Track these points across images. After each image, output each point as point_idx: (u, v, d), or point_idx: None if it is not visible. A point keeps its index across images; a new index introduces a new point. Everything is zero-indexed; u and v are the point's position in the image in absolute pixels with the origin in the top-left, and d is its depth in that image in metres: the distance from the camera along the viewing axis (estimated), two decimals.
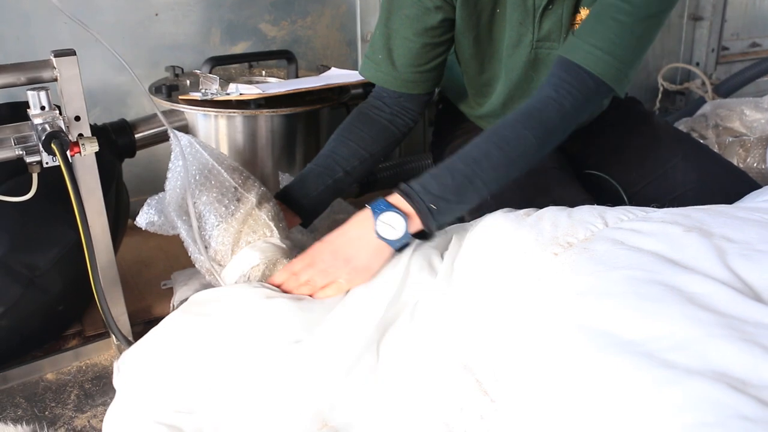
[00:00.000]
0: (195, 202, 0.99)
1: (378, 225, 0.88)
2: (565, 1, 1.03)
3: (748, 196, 1.07)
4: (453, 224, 0.99)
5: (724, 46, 2.29)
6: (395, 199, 0.90)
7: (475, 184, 0.91)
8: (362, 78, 1.17)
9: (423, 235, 0.93)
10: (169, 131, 0.96)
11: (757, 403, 0.45)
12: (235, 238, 0.98)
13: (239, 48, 1.56)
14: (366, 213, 0.91)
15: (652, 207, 0.86)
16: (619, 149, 1.28)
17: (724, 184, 1.20)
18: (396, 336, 0.80)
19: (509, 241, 0.83)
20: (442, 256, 0.92)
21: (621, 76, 0.98)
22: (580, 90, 0.96)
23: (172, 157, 1.02)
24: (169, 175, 1.03)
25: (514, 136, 0.94)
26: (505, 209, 0.95)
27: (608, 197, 1.30)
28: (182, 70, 1.40)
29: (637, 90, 2.20)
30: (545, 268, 0.75)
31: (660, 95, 2.16)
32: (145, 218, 1.03)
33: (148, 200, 1.04)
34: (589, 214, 0.84)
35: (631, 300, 0.59)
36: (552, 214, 0.87)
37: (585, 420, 0.52)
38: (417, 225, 0.90)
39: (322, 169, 1.10)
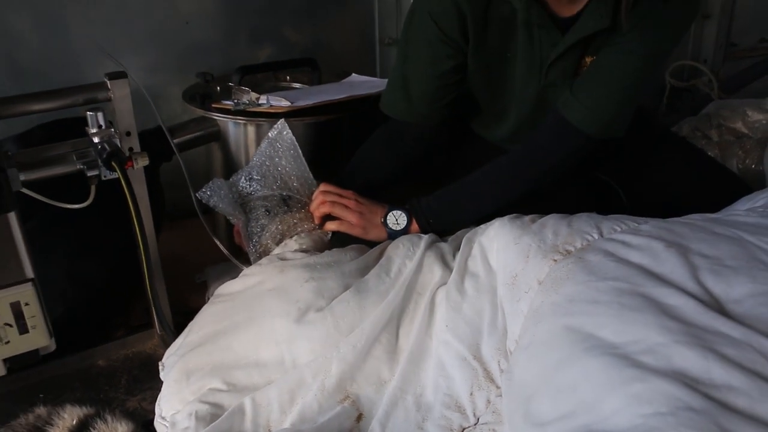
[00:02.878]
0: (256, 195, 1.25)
1: (388, 216, 1.19)
2: (570, 55, 1.13)
3: (738, 201, 1.19)
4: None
5: (732, 42, 2.38)
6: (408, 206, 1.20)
7: (467, 210, 1.19)
8: (382, 89, 1.30)
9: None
10: (278, 129, 1.26)
11: (703, 398, 0.58)
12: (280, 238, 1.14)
13: (264, 52, 1.68)
14: (384, 205, 1.22)
15: (640, 220, 0.98)
16: (621, 155, 1.39)
17: (717, 189, 1.32)
18: (415, 323, 0.94)
19: (515, 247, 0.96)
20: (454, 255, 1.05)
21: (612, 129, 1.13)
22: (570, 146, 1.14)
23: (264, 144, 1.27)
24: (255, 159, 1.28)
25: (506, 178, 1.18)
26: (513, 215, 1.08)
27: (610, 199, 1.42)
28: (212, 76, 1.52)
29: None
30: (545, 273, 0.88)
31: (667, 92, 2.27)
32: (206, 197, 1.24)
33: (211, 183, 1.26)
34: (586, 223, 0.97)
35: (614, 309, 0.72)
36: (554, 222, 1.00)
37: (568, 407, 0.65)
38: (414, 229, 1.19)
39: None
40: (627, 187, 1.41)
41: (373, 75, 1.80)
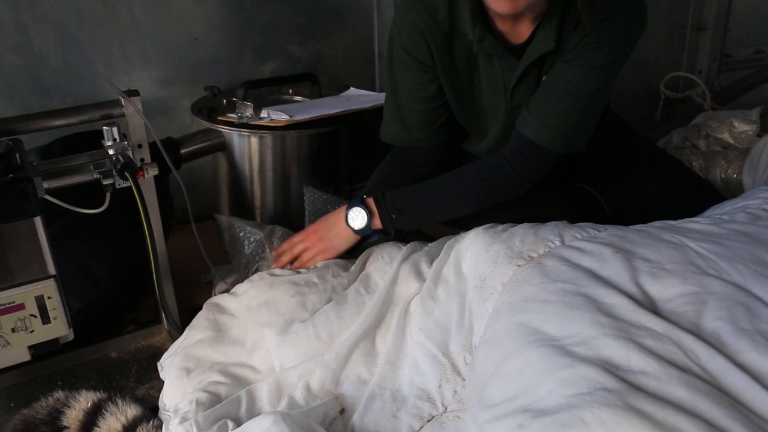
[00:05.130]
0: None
1: (348, 215, 1.26)
2: (529, 77, 1.23)
3: (708, 209, 1.30)
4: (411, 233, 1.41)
5: (727, 53, 2.48)
6: (369, 200, 1.27)
7: (430, 210, 1.26)
8: (376, 102, 1.42)
9: (385, 233, 1.28)
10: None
11: (618, 380, 0.69)
12: None
13: (269, 67, 1.81)
14: (344, 206, 1.28)
15: (601, 228, 1.09)
16: (604, 166, 1.50)
17: (691, 198, 1.42)
18: (390, 329, 1.06)
19: (485, 253, 1.08)
20: (431, 263, 1.17)
21: (570, 143, 1.21)
22: (530, 160, 1.21)
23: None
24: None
25: (468, 182, 1.24)
26: (488, 224, 1.19)
27: (591, 206, 1.53)
28: (219, 89, 1.65)
29: (639, 98, 2.40)
30: (509, 277, 0.99)
31: (662, 103, 2.37)
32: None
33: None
34: (551, 232, 1.08)
35: (558, 307, 0.83)
36: (523, 230, 1.11)
37: (513, 391, 0.76)
38: (378, 224, 1.25)
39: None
40: (609, 196, 1.51)
41: (373, 87, 1.93)
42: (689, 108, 2.35)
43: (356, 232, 1.26)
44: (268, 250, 1.35)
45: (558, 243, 1.04)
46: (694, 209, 1.31)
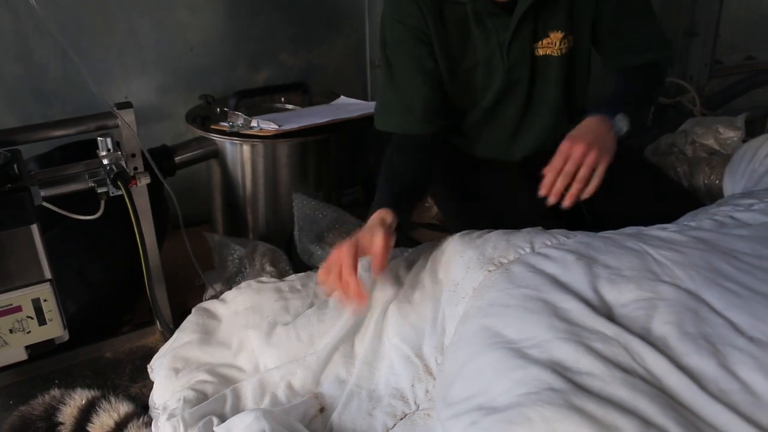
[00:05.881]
0: None
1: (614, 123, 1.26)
2: (524, 32, 1.29)
3: (684, 216, 1.35)
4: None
5: (718, 59, 2.52)
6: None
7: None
8: (365, 111, 1.48)
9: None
10: None
11: (564, 381, 0.74)
12: None
13: (262, 75, 1.87)
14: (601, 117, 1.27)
15: (570, 234, 1.14)
16: None
17: (670, 206, 1.47)
18: (367, 332, 1.12)
19: (459, 259, 1.14)
20: (410, 269, 1.23)
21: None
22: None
23: None
24: None
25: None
26: (465, 231, 1.25)
27: (572, 211, 1.58)
28: (213, 98, 1.72)
29: None
30: (479, 282, 1.05)
31: (653, 108, 2.41)
32: None
33: None
34: (522, 239, 1.14)
35: (519, 311, 0.89)
36: (496, 237, 1.17)
37: (472, 391, 0.82)
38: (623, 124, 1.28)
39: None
40: (590, 202, 1.56)
41: (365, 96, 2.00)
42: (680, 114, 2.39)
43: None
44: (248, 266, 1.41)
45: (528, 249, 1.09)
46: (672, 217, 1.35)
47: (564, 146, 1.19)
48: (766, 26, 2.60)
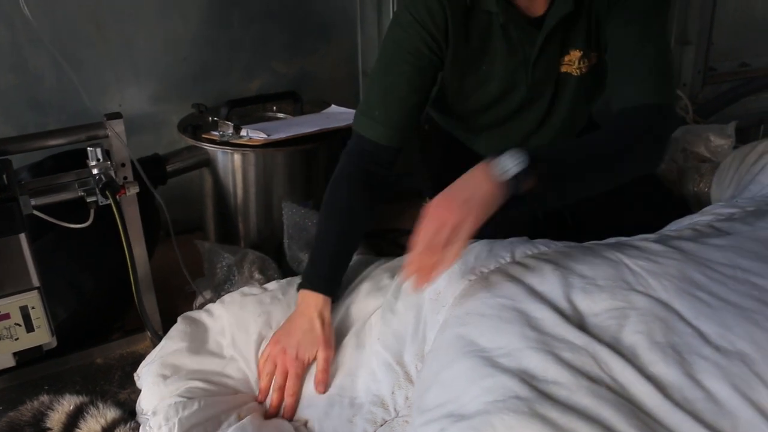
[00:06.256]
0: None
1: (496, 163, 0.95)
2: (552, 48, 1.23)
3: (669, 224, 1.37)
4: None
5: (711, 67, 2.54)
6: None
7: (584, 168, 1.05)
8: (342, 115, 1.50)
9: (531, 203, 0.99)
10: None
11: (531, 389, 0.76)
12: None
13: (255, 84, 1.90)
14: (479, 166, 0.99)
15: (551, 244, 1.16)
16: None
17: (656, 214, 1.47)
18: (349, 341, 1.14)
19: None
20: (392, 278, 1.25)
21: (671, 91, 1.17)
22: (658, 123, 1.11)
23: None
24: None
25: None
26: None
27: (553, 215, 1.59)
28: (206, 107, 1.74)
29: None
30: (460, 291, 1.07)
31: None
32: None
33: None
34: (504, 248, 1.16)
35: (494, 321, 0.91)
36: (480, 247, 1.19)
37: (445, 398, 0.84)
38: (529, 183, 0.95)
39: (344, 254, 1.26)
40: (574, 208, 1.57)
41: (356, 105, 2.01)
42: None
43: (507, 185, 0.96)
44: (237, 273, 1.44)
45: (509, 259, 1.11)
46: (659, 225, 1.36)
47: (423, 214, 0.98)
48: (760, 33, 2.62)
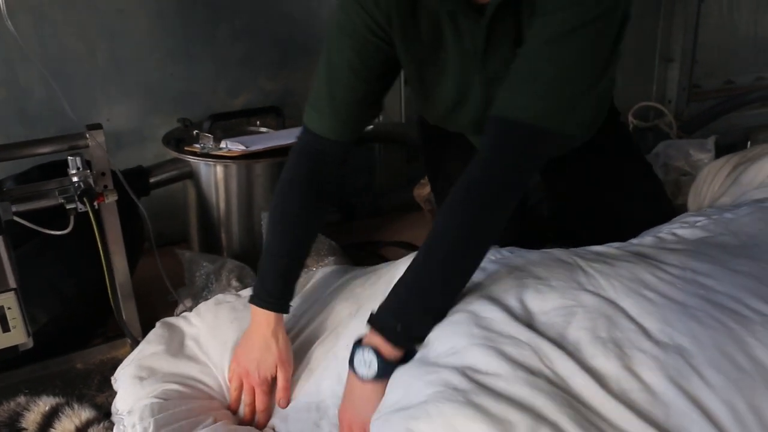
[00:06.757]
0: None
1: (354, 361, 0.96)
2: (504, 41, 1.06)
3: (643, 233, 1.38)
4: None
5: (696, 84, 2.59)
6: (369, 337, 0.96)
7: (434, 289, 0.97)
8: None
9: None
10: None
11: (469, 381, 0.80)
12: None
13: (241, 100, 1.96)
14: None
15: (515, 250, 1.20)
16: (566, 178, 1.48)
17: (639, 221, 1.44)
18: (319, 347, 1.18)
19: None
20: (367, 285, 1.29)
21: (562, 118, 0.96)
22: (521, 148, 0.96)
23: None
24: None
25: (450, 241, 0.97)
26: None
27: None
28: (191, 121, 1.80)
29: None
30: None
31: (631, 132, 2.48)
32: None
33: None
34: None
35: (445, 323, 0.95)
36: None
37: (398, 395, 0.88)
38: (391, 351, 0.93)
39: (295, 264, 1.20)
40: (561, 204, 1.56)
41: None
42: (657, 137, 2.46)
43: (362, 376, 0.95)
44: (215, 281, 1.48)
45: None
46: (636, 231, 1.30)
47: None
48: (743, 52, 2.67)
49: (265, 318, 1.15)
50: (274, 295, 1.16)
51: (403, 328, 0.93)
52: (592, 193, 1.45)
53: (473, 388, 0.80)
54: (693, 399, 0.80)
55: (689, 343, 0.86)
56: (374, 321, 0.96)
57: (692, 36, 2.49)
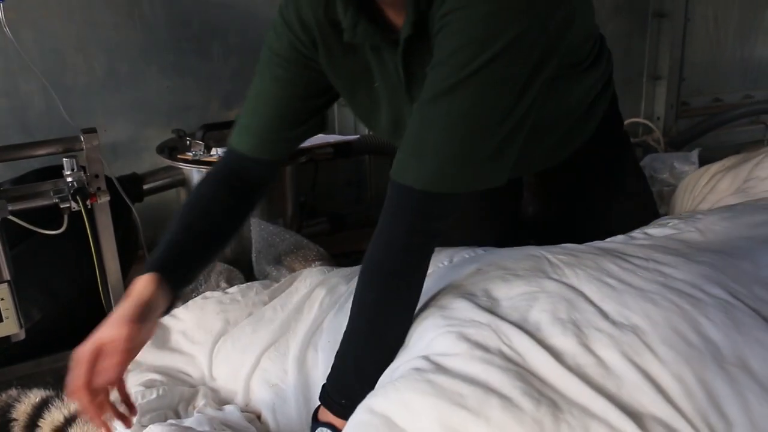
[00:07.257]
0: None
1: None
2: (423, 75, 0.93)
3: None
4: None
5: (684, 101, 2.66)
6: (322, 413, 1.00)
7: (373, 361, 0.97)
8: (322, 141, 1.62)
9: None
10: None
11: (429, 362, 0.86)
12: None
13: (234, 112, 2.04)
14: None
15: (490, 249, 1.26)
16: (553, 187, 1.45)
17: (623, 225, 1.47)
18: (300, 341, 1.24)
19: None
20: (349, 283, 1.34)
21: (446, 179, 0.89)
22: (417, 212, 0.92)
23: None
24: None
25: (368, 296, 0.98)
26: None
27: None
28: (184, 132, 1.87)
29: None
30: None
31: None
32: None
33: None
34: (446, 255, 1.25)
35: (417, 320, 0.99)
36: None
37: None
38: (342, 422, 0.94)
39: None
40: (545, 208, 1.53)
41: (332, 130, 2.14)
42: (646, 152, 2.52)
43: None
44: (204, 283, 1.54)
45: (446, 263, 1.21)
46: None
47: None
48: (730, 70, 2.74)
49: (141, 284, 0.98)
50: (164, 261, 1.02)
51: (346, 401, 0.95)
52: (575, 210, 1.45)
53: (432, 369, 0.85)
54: (644, 372, 0.84)
55: (644, 322, 0.90)
56: (323, 399, 1.00)
57: (679, 54, 2.56)
